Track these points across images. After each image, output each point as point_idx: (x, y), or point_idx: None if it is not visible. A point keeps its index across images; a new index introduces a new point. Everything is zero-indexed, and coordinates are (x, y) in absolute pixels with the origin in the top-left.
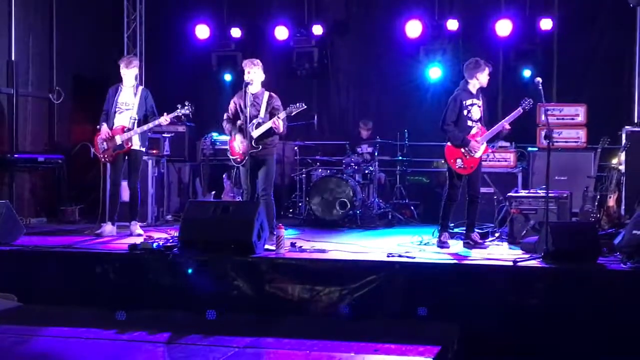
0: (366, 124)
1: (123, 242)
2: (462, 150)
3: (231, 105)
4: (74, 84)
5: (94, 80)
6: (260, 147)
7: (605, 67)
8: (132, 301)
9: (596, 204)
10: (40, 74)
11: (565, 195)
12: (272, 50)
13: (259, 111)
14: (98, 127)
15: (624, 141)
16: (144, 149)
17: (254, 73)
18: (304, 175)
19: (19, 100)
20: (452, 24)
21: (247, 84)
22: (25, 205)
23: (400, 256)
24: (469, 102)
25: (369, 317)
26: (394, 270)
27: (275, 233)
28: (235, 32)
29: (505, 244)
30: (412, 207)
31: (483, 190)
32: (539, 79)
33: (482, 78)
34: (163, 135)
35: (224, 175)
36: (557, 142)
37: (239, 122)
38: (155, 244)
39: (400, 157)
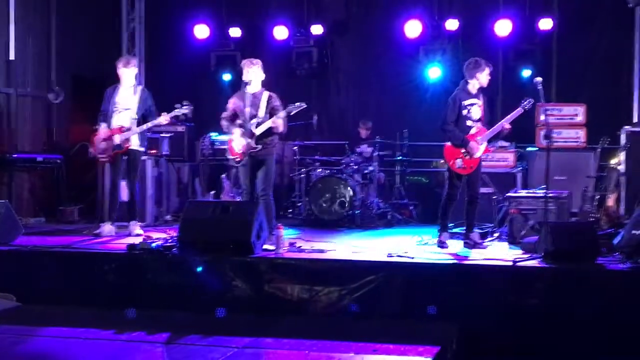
0: (365, 123)
1: (122, 242)
2: (462, 150)
3: (229, 105)
4: (73, 84)
5: (93, 80)
6: (260, 147)
7: (605, 67)
8: (131, 301)
9: (595, 204)
10: (39, 73)
11: (564, 195)
12: (272, 50)
13: (258, 111)
14: (96, 127)
15: (623, 141)
16: (142, 149)
17: (253, 73)
18: (303, 175)
19: (18, 100)
20: (452, 24)
21: (246, 83)
22: (24, 205)
23: (399, 256)
24: (468, 102)
25: (368, 317)
26: (393, 271)
27: (274, 233)
28: (235, 32)
29: (505, 244)
30: (411, 207)
31: (482, 190)
32: (538, 79)
33: (482, 78)
34: (162, 135)
35: (223, 175)
36: (556, 142)
37: (238, 121)
38: (154, 244)
39: (399, 157)
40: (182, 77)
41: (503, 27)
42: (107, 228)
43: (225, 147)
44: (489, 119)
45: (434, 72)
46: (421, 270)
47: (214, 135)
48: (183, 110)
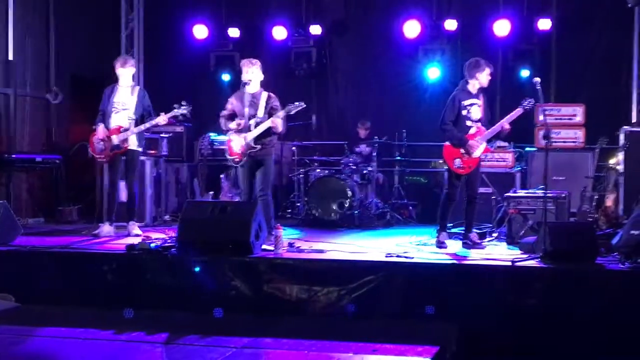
0: (364, 123)
1: (121, 243)
2: (461, 150)
3: (228, 105)
4: (72, 84)
5: (92, 81)
6: (259, 147)
7: (604, 67)
8: (130, 301)
9: (594, 204)
10: (38, 74)
11: (563, 195)
12: (270, 50)
13: (257, 111)
14: (94, 127)
15: (622, 141)
16: (140, 149)
17: (252, 73)
18: (302, 176)
19: (17, 100)
20: (451, 24)
21: (245, 84)
22: (23, 205)
23: (398, 256)
24: (468, 102)
25: (367, 317)
26: (392, 271)
27: (273, 233)
28: (234, 32)
29: (504, 244)
30: (410, 207)
31: (481, 190)
32: (537, 79)
33: (482, 78)
34: (161, 135)
35: (222, 176)
36: (555, 142)
37: (236, 121)
38: (153, 244)
39: (398, 157)
40: (181, 77)
41: (502, 27)
42: (106, 228)
43: (224, 148)
44: (489, 119)
45: (433, 72)
46: (420, 270)
47: (213, 135)
48: (181, 110)
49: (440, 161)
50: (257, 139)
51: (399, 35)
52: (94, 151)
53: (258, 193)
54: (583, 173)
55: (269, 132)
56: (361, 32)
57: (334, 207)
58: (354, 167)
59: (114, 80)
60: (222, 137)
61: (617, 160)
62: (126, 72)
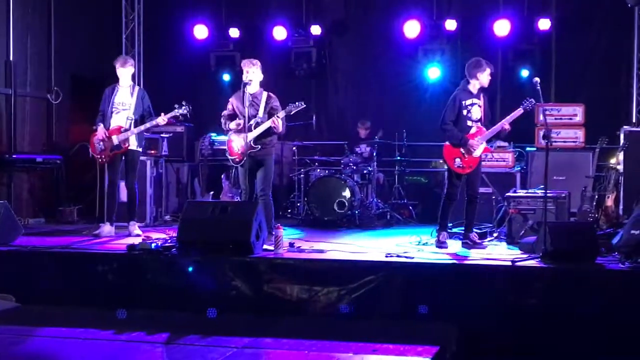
0: (364, 123)
1: (121, 243)
2: (461, 149)
3: (229, 105)
4: (72, 84)
5: (93, 81)
6: (259, 147)
7: (603, 67)
8: (130, 301)
9: (594, 203)
10: (39, 74)
11: (563, 195)
12: (271, 50)
13: (257, 111)
14: (94, 127)
15: (622, 141)
16: (140, 149)
17: (253, 73)
18: (302, 176)
19: (17, 100)
20: (451, 24)
21: (246, 84)
22: (24, 205)
23: (398, 256)
24: (468, 101)
25: (367, 317)
26: (393, 271)
27: (273, 233)
28: (234, 32)
29: (504, 244)
30: (410, 207)
31: (481, 190)
32: (537, 79)
33: (482, 78)
34: (161, 135)
35: (222, 176)
36: (555, 142)
37: (237, 121)
38: (153, 245)
39: (398, 157)
40: (182, 77)
41: (502, 27)
42: (107, 228)
43: (224, 148)
44: (489, 119)
45: (433, 72)
46: (420, 270)
47: (213, 135)
48: (181, 110)
49: (441, 161)
50: (257, 139)
51: (399, 35)
52: (94, 151)
53: (258, 193)
54: (583, 173)
55: (269, 132)
56: (361, 32)
57: (334, 207)
58: (354, 167)
59: (114, 80)
60: (222, 137)
61: (617, 160)
62: (126, 72)
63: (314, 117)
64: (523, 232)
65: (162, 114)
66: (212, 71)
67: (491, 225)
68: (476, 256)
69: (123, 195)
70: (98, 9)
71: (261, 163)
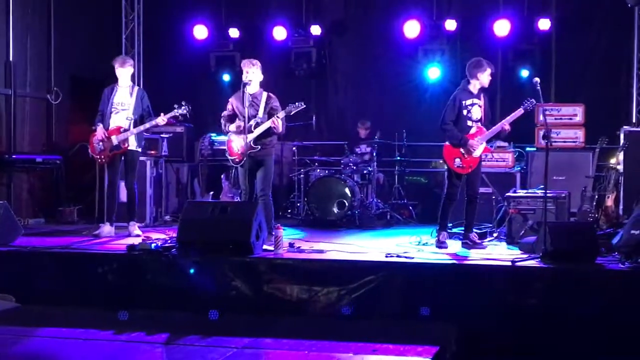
0: (364, 124)
1: (121, 243)
2: (461, 149)
3: (228, 106)
4: (72, 85)
5: (92, 81)
6: (259, 147)
7: (603, 67)
8: (130, 302)
9: (594, 203)
10: (38, 74)
11: (563, 195)
12: (271, 50)
13: (257, 111)
14: (94, 127)
15: (622, 141)
16: (140, 150)
17: (253, 73)
18: (302, 176)
19: (17, 100)
20: (450, 24)
21: (246, 84)
22: (24, 205)
23: (398, 256)
24: (469, 101)
25: (367, 317)
26: (393, 271)
27: (273, 233)
28: (234, 33)
29: (504, 244)
30: (410, 207)
31: (481, 190)
32: (537, 79)
33: (483, 78)
34: (161, 135)
35: (222, 176)
36: (555, 142)
37: (237, 122)
38: (153, 245)
39: (398, 158)
40: (182, 77)
41: (502, 27)
42: (107, 229)
43: (224, 148)
44: (489, 120)
45: (433, 73)
46: (420, 270)
47: (213, 135)
48: (181, 110)
49: (441, 161)
50: (257, 140)
51: (398, 36)
52: (93, 152)
53: (258, 193)
54: (583, 173)
55: (269, 132)
56: (361, 32)
57: (334, 207)
58: (354, 167)
59: (114, 80)
60: (222, 138)
61: (617, 160)
62: (125, 72)
63: (314, 117)
64: (523, 232)
65: (162, 114)
66: (212, 71)
67: (491, 225)
68: (476, 256)
69: (123, 195)
70: (98, 9)
71: (261, 163)
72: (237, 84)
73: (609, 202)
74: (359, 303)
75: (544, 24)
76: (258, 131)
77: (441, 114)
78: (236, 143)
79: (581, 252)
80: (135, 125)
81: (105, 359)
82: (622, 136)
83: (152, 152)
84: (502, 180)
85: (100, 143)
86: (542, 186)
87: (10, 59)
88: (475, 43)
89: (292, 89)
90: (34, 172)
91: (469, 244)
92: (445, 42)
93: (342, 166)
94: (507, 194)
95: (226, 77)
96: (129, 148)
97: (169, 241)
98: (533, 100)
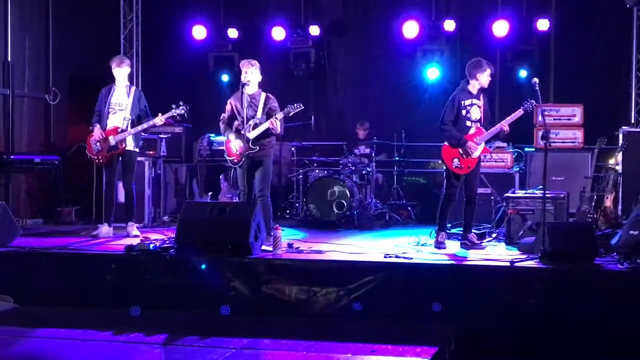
0: (363, 124)
1: (120, 243)
2: (460, 150)
3: (228, 106)
4: (70, 85)
5: (91, 81)
6: (257, 148)
7: (602, 67)
8: (129, 302)
9: (593, 204)
10: (37, 74)
11: (562, 195)
12: (269, 51)
13: (256, 112)
14: (91, 128)
15: (620, 141)
16: (137, 150)
17: (251, 74)
18: (301, 176)
19: (15, 101)
20: (449, 25)
21: (244, 84)
22: (22, 206)
23: (397, 257)
24: (468, 102)
25: (366, 317)
26: (391, 271)
27: (272, 234)
28: (232, 33)
29: (503, 244)
30: (409, 208)
31: (480, 190)
32: (535, 80)
33: (482, 78)
34: (160, 136)
35: (221, 176)
36: (554, 142)
37: (236, 122)
38: (152, 245)
39: (397, 158)
40: (180, 78)
41: (500, 28)
42: (105, 229)
43: (223, 148)
44: (489, 120)
45: (432, 73)
46: (419, 270)
47: (212, 136)
48: (178, 110)
49: (439, 161)
50: (256, 140)
51: (397, 36)
52: (90, 152)
53: (257, 194)
54: (582, 173)
55: (267, 133)
56: (360, 33)
57: (333, 207)
58: (352, 168)
59: (112, 81)
60: (221, 138)
61: (615, 161)
62: (122, 72)
63: (313, 117)
64: (522, 232)
65: (160, 114)
66: (210, 72)
67: (490, 225)
68: (475, 257)
69: (121, 196)
70: (97, 9)
71: (259, 164)
72: (236, 85)
73: (608, 202)
74: (358, 303)
75: (543, 25)
76: (256, 132)
77: (440, 115)
78: (234, 144)
79: (580, 252)
80: (132, 126)
81: (103, 359)
82: (620, 137)
83: (151, 152)
84: (501, 180)
85: (98, 143)
86: (540, 187)
87: (9, 59)
88: (474, 43)
89: (290, 90)
90: (32, 173)
91: (467, 245)
92: (444, 42)
93: (341, 167)
94: (506, 195)
95: (225, 78)
96: (126, 148)
97: (168, 242)
98: (533, 101)
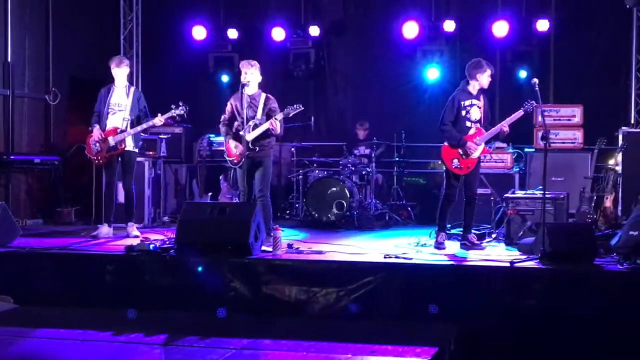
0: (363, 125)
1: (120, 244)
2: (459, 150)
3: (228, 107)
4: (70, 85)
5: (91, 82)
6: (257, 148)
7: (602, 68)
8: (128, 303)
9: (593, 204)
10: (37, 75)
11: (562, 196)
12: (269, 51)
13: (255, 112)
14: (90, 128)
15: (620, 142)
16: (137, 150)
17: (251, 74)
18: (300, 177)
19: (15, 101)
20: (449, 25)
21: (244, 85)
22: (22, 206)
23: (397, 257)
24: (467, 102)
25: (366, 318)
26: (391, 272)
27: (272, 234)
28: (232, 34)
29: (502, 245)
30: (409, 208)
31: (480, 191)
32: (535, 80)
33: (482, 79)
34: (160, 136)
35: (220, 177)
36: (553, 143)
37: (235, 123)
38: (151, 246)
39: (397, 158)
40: (180, 78)
41: (500, 29)
42: (105, 230)
43: (222, 149)
44: (489, 121)
45: (431, 73)
46: (419, 271)
47: (211, 136)
48: (178, 111)
49: (439, 162)
50: (256, 141)
51: (397, 36)
52: (90, 153)
53: (256, 194)
54: (582, 174)
55: (267, 134)
56: (360, 33)
57: (333, 208)
58: (352, 168)
59: (112, 81)
60: (220, 139)
61: (615, 161)
62: (121, 73)
63: (313, 118)
64: (522, 233)
65: (159, 114)
66: (210, 72)
67: (490, 226)
68: (475, 257)
69: (121, 196)
70: (97, 9)
71: (259, 164)
72: (236, 85)
73: (608, 203)
74: (358, 304)
75: (543, 25)
76: (256, 133)
77: (440, 115)
78: (234, 144)
79: (580, 253)
80: (132, 126)
81: (103, 359)
82: (620, 137)
83: (151, 153)
84: (501, 181)
85: (97, 144)
86: (540, 187)
87: (9, 59)
88: (473, 44)
89: (290, 90)
90: (32, 173)
91: (467, 245)
92: (444, 43)
93: (341, 167)
94: (506, 195)
95: (225, 78)
96: (126, 149)
97: (168, 242)
98: (533, 102)
